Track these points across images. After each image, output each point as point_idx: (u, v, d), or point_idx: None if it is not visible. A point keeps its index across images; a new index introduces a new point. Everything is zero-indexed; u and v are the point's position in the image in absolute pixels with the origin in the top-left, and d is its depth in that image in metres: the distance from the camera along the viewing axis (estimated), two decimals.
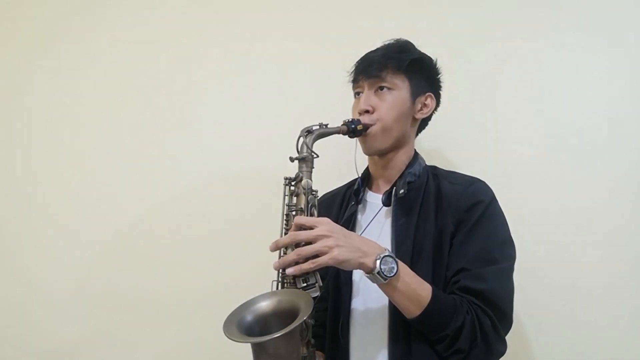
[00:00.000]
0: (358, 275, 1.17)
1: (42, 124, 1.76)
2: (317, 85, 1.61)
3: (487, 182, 1.17)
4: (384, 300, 1.10)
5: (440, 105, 1.28)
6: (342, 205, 1.28)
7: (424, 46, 1.26)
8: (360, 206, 1.25)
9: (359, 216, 1.24)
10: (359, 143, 1.22)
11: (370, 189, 1.27)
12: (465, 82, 1.51)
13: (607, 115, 1.43)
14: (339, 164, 1.35)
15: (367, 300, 1.15)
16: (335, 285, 1.20)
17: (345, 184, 1.35)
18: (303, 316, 0.89)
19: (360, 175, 1.27)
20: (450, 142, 1.52)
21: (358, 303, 1.16)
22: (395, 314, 1.08)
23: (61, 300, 1.66)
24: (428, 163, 1.25)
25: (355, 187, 1.26)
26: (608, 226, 1.39)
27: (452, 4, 1.55)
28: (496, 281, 1.04)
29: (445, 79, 1.28)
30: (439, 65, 1.26)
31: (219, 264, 1.61)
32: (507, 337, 1.06)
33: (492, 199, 1.13)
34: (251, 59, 1.68)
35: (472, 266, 1.05)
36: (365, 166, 1.30)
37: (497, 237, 1.10)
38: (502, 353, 1.06)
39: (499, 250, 1.08)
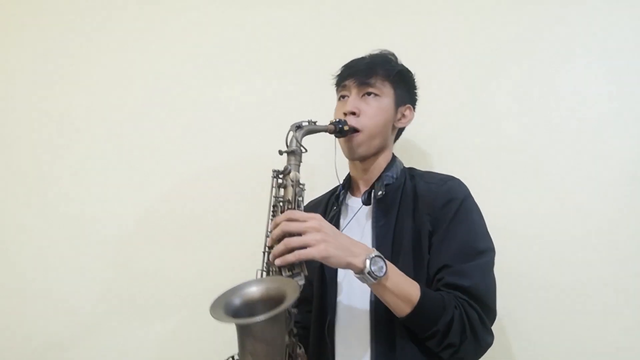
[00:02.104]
0: (342, 275, 1.19)
1: (41, 124, 1.77)
2: (306, 83, 1.64)
3: (462, 181, 1.20)
4: (367, 299, 1.13)
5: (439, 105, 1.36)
6: (326, 212, 1.30)
7: (419, 47, 1.35)
8: (342, 209, 1.28)
9: (341, 220, 1.27)
10: (339, 147, 1.25)
11: (352, 194, 1.31)
12: (460, 81, 1.55)
13: (606, 113, 1.44)
14: (321, 167, 1.38)
15: (351, 299, 1.17)
16: (320, 286, 1.21)
17: (328, 192, 1.37)
18: (289, 300, 0.90)
19: (341, 182, 1.31)
20: (447, 144, 1.54)
21: (342, 303, 1.18)
22: (377, 313, 1.10)
23: (60, 294, 1.67)
24: (426, 166, 1.32)
25: (337, 192, 1.30)
26: (606, 226, 1.40)
27: (444, 4, 1.59)
28: (479, 276, 1.08)
29: (443, 79, 1.34)
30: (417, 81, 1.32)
31: (207, 253, 1.63)
32: (508, 340, 1.13)
33: (467, 196, 1.16)
34: (243, 56, 1.70)
35: (454, 262, 1.08)
36: (347, 172, 1.33)
37: (475, 233, 1.13)
38: (490, 343, 1.09)
39: (478, 244, 1.11)
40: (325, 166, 1.33)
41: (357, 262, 0.99)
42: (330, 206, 1.30)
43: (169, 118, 1.72)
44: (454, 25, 1.57)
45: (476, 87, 1.54)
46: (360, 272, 1.00)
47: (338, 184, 1.32)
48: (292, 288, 0.94)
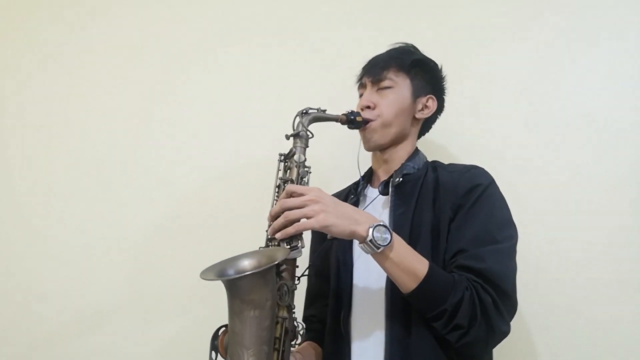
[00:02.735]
0: (357, 262, 1.16)
1: (38, 126, 1.82)
2: (319, 84, 1.65)
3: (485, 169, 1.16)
4: (382, 284, 1.09)
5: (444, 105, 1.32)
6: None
7: (425, 47, 1.31)
8: (360, 199, 1.26)
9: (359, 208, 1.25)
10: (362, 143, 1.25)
11: (372, 185, 1.29)
12: (466, 82, 1.54)
13: (609, 114, 1.43)
14: (344, 166, 1.39)
15: (367, 285, 1.13)
16: (336, 274, 1.19)
17: (349, 186, 1.36)
18: (277, 261, 0.90)
19: (362, 174, 1.30)
20: (451, 142, 1.53)
21: (358, 289, 1.15)
22: (393, 298, 1.06)
23: (66, 293, 1.68)
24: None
25: (356, 183, 1.30)
26: (610, 223, 1.37)
27: (452, 8, 1.60)
28: (495, 260, 1.01)
29: (453, 80, 1.32)
30: (444, 72, 1.30)
31: (214, 250, 1.58)
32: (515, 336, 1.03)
33: (491, 182, 1.12)
34: (249, 50, 1.73)
35: (470, 247, 1.03)
36: (369, 167, 1.32)
37: (496, 218, 1.08)
38: (506, 333, 1.01)
39: (498, 231, 1.05)
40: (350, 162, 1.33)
41: (360, 229, 0.96)
42: (349, 197, 1.29)
43: (173, 114, 1.75)
44: (465, 25, 1.58)
45: (481, 87, 1.54)
46: (362, 240, 0.97)
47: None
48: (282, 253, 0.94)
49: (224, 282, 0.90)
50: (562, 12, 1.50)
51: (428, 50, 1.31)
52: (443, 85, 1.31)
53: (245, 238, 1.52)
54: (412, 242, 1.07)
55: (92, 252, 1.69)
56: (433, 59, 1.29)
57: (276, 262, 0.89)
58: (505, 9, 1.54)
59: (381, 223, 0.98)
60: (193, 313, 1.59)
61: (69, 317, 1.66)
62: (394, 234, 0.99)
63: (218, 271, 0.94)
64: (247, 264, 0.96)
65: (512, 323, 1.02)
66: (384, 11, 1.64)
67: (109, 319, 1.64)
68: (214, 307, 1.48)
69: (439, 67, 1.30)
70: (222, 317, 0.97)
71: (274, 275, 0.94)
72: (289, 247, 1.00)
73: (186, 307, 1.61)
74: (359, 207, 1.24)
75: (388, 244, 0.97)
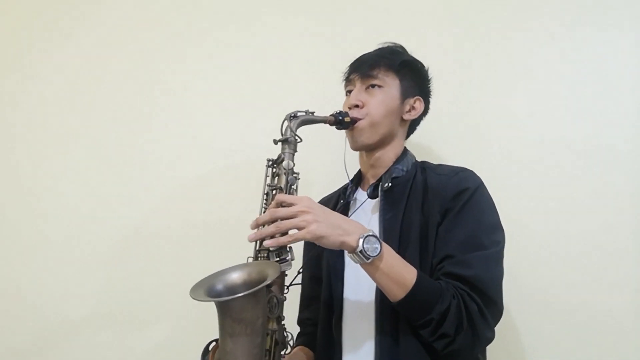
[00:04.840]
0: (348, 268, 1.17)
1: (39, 124, 1.80)
2: (308, 81, 1.64)
3: (474, 171, 1.16)
4: (373, 292, 1.10)
5: (440, 106, 1.32)
6: (335, 208, 1.28)
7: (420, 46, 1.31)
8: (350, 203, 1.26)
9: (348, 213, 1.24)
10: (348, 143, 1.24)
11: (361, 188, 1.29)
12: (463, 83, 1.53)
13: (608, 116, 1.43)
14: (329, 166, 1.39)
15: (358, 293, 1.14)
16: (327, 280, 1.20)
17: (339, 189, 1.36)
18: (268, 280, 0.90)
19: (350, 178, 1.30)
20: (449, 145, 1.53)
21: (349, 296, 1.15)
22: (382, 306, 1.07)
23: (53, 297, 1.68)
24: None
25: (346, 187, 1.29)
26: (606, 224, 1.38)
27: (448, 6, 1.58)
28: (482, 267, 1.02)
29: (443, 80, 1.32)
30: (430, 73, 1.29)
31: (203, 255, 1.62)
32: (504, 335, 1.06)
33: (479, 186, 1.12)
34: (240, 52, 1.72)
35: (457, 253, 1.04)
36: (357, 170, 1.31)
37: (484, 223, 1.08)
38: (490, 340, 1.04)
39: (485, 235, 1.06)
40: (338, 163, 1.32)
41: (350, 240, 0.97)
42: (339, 201, 1.29)
43: (163, 117, 1.73)
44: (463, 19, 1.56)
45: (483, 85, 1.53)
46: (352, 251, 0.98)
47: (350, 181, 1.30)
48: (273, 270, 0.93)
49: (215, 303, 0.90)
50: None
51: (426, 49, 1.31)
52: (429, 87, 1.30)
53: (232, 242, 1.50)
54: (402, 246, 1.09)
55: (72, 260, 1.68)
56: (429, 58, 1.29)
57: (268, 283, 0.89)
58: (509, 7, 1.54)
59: (371, 233, 0.98)
60: (174, 322, 1.60)
61: (48, 327, 1.67)
62: (384, 244, 1.00)
63: (208, 288, 0.93)
64: (238, 281, 0.96)
65: (509, 323, 1.05)
66: (379, 7, 1.62)
67: (89, 328, 1.64)
68: (199, 317, 1.44)
69: (426, 68, 1.29)
70: (206, 324, 0.97)
71: (265, 293, 0.94)
72: (278, 259, 1.00)
73: (169, 317, 1.61)
74: (350, 211, 1.25)
75: (377, 254, 0.97)
